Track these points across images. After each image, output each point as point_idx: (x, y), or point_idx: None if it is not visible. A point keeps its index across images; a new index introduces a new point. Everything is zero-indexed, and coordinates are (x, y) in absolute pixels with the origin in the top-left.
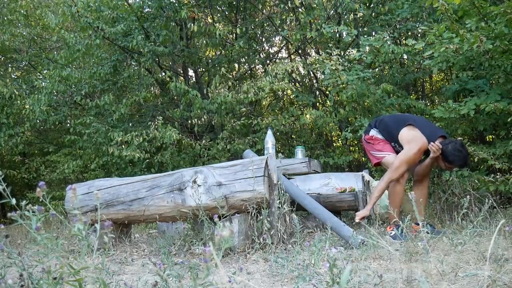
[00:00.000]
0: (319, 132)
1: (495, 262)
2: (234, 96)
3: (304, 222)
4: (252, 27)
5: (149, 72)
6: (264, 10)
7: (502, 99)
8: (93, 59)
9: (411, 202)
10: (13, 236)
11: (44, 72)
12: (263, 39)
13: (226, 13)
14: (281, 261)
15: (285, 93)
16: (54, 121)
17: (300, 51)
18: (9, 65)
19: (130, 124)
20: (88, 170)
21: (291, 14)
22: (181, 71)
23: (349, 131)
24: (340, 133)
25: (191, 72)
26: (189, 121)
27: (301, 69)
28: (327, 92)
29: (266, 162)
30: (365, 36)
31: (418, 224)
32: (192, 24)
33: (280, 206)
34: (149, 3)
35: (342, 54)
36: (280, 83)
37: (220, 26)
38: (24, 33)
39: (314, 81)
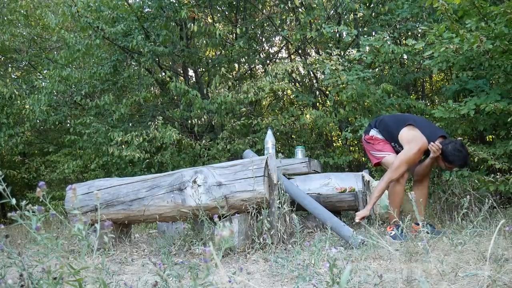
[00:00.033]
0: (319, 132)
1: (495, 262)
2: (234, 96)
3: (304, 222)
4: (252, 27)
5: (149, 72)
6: (264, 10)
7: (502, 99)
8: (93, 59)
9: (411, 202)
10: (13, 236)
11: (44, 72)
12: (263, 39)
13: (226, 13)
14: (281, 261)
15: (285, 93)
16: (54, 121)
17: (300, 51)
18: (9, 65)
19: (130, 124)
20: (88, 170)
21: (291, 14)
22: (181, 71)
23: (349, 131)
24: (340, 133)
25: (191, 72)
26: (189, 121)
27: (301, 69)
28: (327, 92)
29: (266, 162)
30: (365, 36)
31: (418, 224)
32: (192, 24)
33: (280, 206)
34: (149, 3)
35: (342, 54)
36: (280, 83)
37: (220, 26)
38: (24, 33)
39: (314, 81)
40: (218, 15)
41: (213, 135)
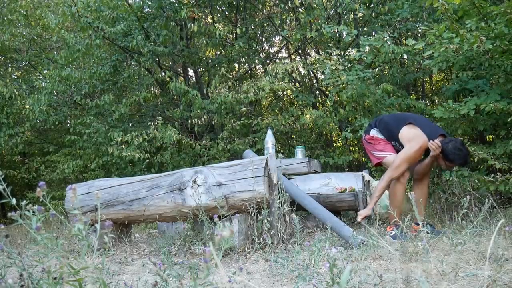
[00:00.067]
0: (319, 132)
1: (495, 262)
2: (234, 96)
3: (304, 222)
4: (252, 27)
5: (149, 72)
6: (264, 10)
7: (502, 99)
8: (93, 59)
9: (411, 202)
10: (13, 236)
11: (44, 72)
12: (263, 39)
13: (226, 13)
14: (281, 261)
15: (285, 93)
16: (54, 121)
17: (300, 51)
18: (9, 65)
19: (130, 124)
20: (88, 170)
21: (291, 14)
22: (181, 71)
23: (349, 131)
24: (340, 133)
25: (191, 72)
26: (189, 121)
27: (301, 69)
28: (327, 92)
29: (266, 162)
30: (365, 36)
31: (418, 224)
32: (192, 24)
33: (280, 206)
34: (149, 3)
35: (342, 54)
36: (280, 83)
37: (220, 26)
38: (24, 33)
39: (314, 81)
40: (218, 15)
41: (213, 135)
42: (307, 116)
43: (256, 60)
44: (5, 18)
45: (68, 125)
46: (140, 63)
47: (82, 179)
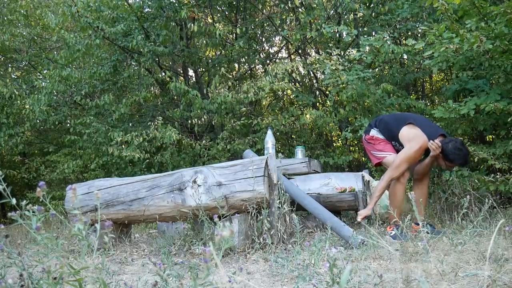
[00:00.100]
0: (319, 132)
1: (495, 262)
2: (234, 96)
3: (304, 222)
4: (252, 27)
5: (149, 72)
6: (264, 10)
7: (502, 99)
8: (93, 59)
9: (411, 202)
10: (13, 236)
11: (44, 72)
12: (263, 39)
13: (226, 13)
14: (281, 261)
15: (285, 93)
16: (54, 121)
17: (300, 51)
18: (9, 65)
19: (130, 124)
20: (88, 170)
21: (291, 14)
22: (181, 71)
23: (349, 131)
24: (340, 133)
25: (191, 72)
26: (189, 121)
27: (301, 69)
28: (327, 92)
29: (266, 162)
30: (365, 36)
31: (418, 224)
32: (192, 24)
33: (280, 206)
34: (149, 3)
35: (342, 54)
36: (280, 83)
37: (220, 26)
38: (24, 33)
39: (314, 81)
40: (218, 15)
41: (213, 135)
42: (307, 116)
43: (256, 60)
44: (5, 18)
45: (68, 125)
46: (140, 63)
47: (82, 179)
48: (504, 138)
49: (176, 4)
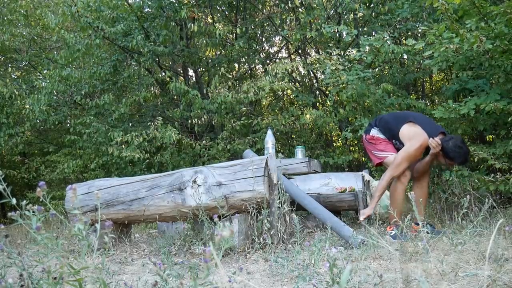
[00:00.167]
0: (319, 132)
1: (495, 262)
2: (234, 96)
3: (304, 222)
4: (252, 27)
5: (149, 72)
6: (264, 10)
7: (502, 99)
8: (93, 59)
9: (411, 202)
10: (13, 236)
11: (44, 72)
12: (263, 39)
13: (226, 13)
14: (281, 261)
15: (285, 93)
16: (54, 121)
17: (300, 51)
18: (9, 65)
19: (130, 124)
20: (88, 170)
21: (291, 14)
22: (181, 71)
23: (349, 131)
24: (340, 133)
25: (191, 72)
26: (189, 121)
27: (301, 69)
28: (327, 92)
29: (266, 162)
30: (365, 36)
31: (418, 224)
32: (192, 24)
33: (280, 206)
34: (149, 3)
35: (342, 54)
36: (280, 83)
37: (220, 26)
38: (24, 33)
39: (314, 81)
40: (218, 15)
41: (213, 135)
42: (307, 116)
43: (256, 60)
44: (5, 18)
45: (68, 125)
46: (140, 63)
47: (82, 179)
48: (504, 138)
49: (176, 4)
